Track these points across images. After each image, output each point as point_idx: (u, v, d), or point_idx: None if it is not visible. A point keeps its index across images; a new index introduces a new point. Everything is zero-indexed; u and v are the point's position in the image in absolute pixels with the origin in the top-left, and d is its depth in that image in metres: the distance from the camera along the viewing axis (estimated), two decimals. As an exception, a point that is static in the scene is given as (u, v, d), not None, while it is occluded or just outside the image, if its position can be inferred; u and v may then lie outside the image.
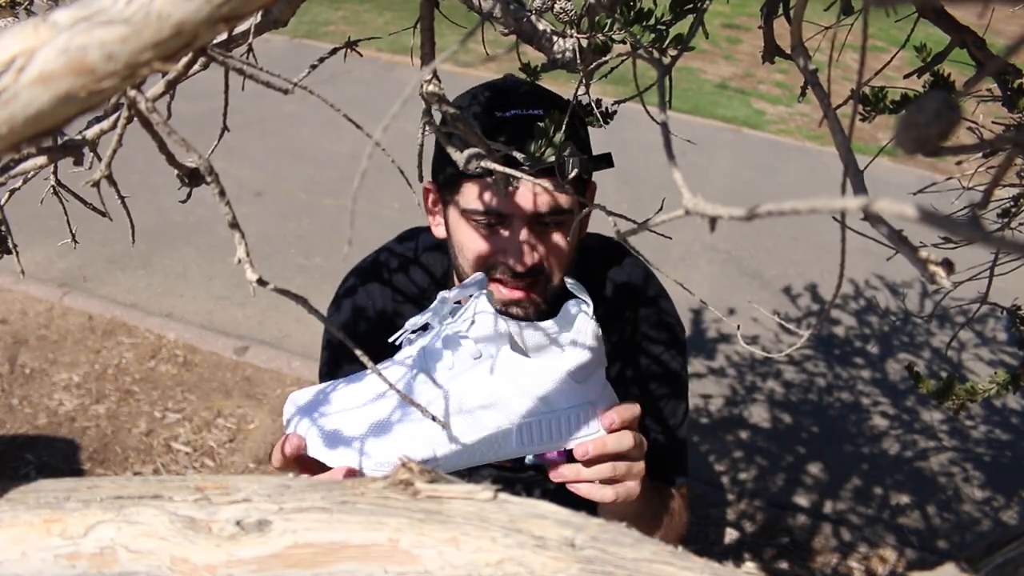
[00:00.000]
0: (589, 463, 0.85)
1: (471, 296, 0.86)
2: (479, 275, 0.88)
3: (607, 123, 0.90)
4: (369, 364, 0.56)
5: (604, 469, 0.85)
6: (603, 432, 0.86)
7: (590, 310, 0.89)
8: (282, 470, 0.82)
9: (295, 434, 0.82)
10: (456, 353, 0.83)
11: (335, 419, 0.82)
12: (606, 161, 1.00)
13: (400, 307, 1.16)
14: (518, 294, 1.01)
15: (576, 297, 0.91)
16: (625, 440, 0.86)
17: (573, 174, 0.93)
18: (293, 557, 0.51)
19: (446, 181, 1.02)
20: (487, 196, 0.96)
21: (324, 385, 0.87)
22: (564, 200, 0.98)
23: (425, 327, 0.88)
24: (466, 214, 0.98)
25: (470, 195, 0.97)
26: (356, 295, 1.17)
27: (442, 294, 0.87)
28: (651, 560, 0.48)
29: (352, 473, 0.79)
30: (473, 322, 0.83)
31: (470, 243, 1.00)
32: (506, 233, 0.98)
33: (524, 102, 0.97)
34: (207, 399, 2.70)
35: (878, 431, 2.87)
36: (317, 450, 0.81)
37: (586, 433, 0.85)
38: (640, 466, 0.89)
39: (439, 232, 1.09)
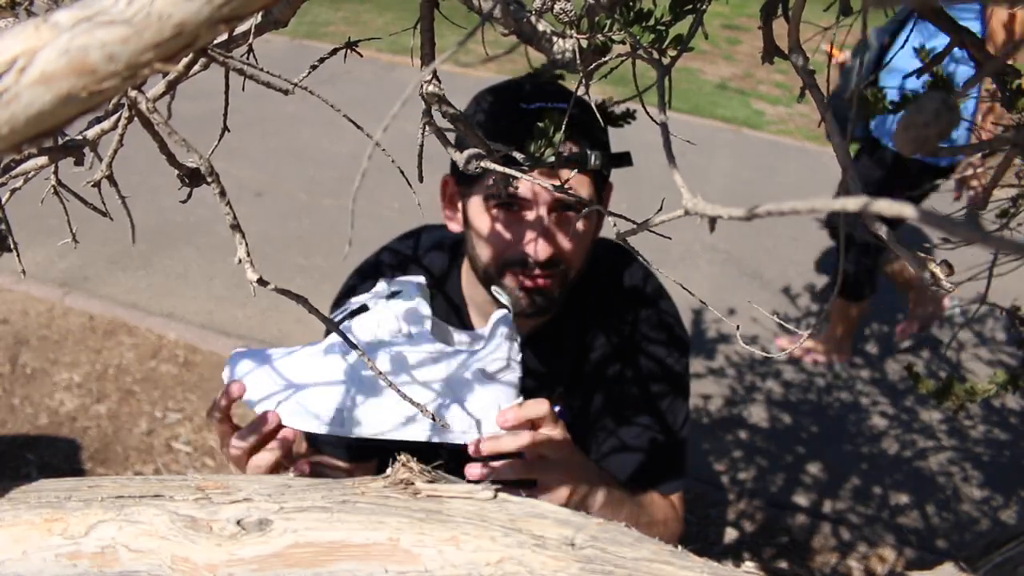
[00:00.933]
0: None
1: (411, 286, 0.90)
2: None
3: (628, 123, 0.91)
4: (368, 363, 0.57)
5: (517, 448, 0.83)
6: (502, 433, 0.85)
7: (510, 316, 0.92)
8: (217, 421, 0.85)
9: (235, 382, 0.83)
10: (380, 328, 0.85)
11: (269, 372, 0.85)
12: (626, 160, 1.01)
13: None
14: (539, 283, 1.01)
15: (503, 305, 0.93)
16: (520, 439, 0.83)
17: (595, 164, 0.94)
18: (294, 556, 0.51)
19: (465, 174, 1.02)
20: (500, 188, 0.96)
21: (269, 350, 0.89)
22: (584, 189, 0.98)
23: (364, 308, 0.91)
24: (487, 200, 0.98)
25: (492, 183, 0.98)
26: (355, 293, 1.17)
27: (381, 281, 0.91)
28: (651, 559, 0.48)
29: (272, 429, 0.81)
30: (399, 299, 0.86)
31: (490, 234, 1.00)
32: (525, 222, 0.98)
33: (549, 96, 0.98)
34: (208, 399, 2.70)
35: (877, 431, 2.87)
36: (253, 397, 0.83)
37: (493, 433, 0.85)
38: (557, 464, 0.86)
39: (454, 227, 1.10)
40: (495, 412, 0.83)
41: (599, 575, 0.47)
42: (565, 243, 1.00)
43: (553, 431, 0.86)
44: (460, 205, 1.06)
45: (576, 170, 0.94)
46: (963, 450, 2.81)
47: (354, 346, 0.57)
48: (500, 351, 0.87)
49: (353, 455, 1.10)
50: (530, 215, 0.98)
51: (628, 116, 0.89)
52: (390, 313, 0.86)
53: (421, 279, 0.95)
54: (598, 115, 0.88)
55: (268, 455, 0.83)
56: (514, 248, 0.99)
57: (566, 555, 0.48)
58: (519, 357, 0.89)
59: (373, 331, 0.85)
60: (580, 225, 1.01)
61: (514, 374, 0.87)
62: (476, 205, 1.01)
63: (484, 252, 1.02)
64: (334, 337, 0.86)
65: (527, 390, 1.17)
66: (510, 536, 0.49)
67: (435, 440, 0.82)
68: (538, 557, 0.48)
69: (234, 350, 0.88)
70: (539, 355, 1.16)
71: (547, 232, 0.98)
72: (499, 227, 1.00)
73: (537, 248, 0.97)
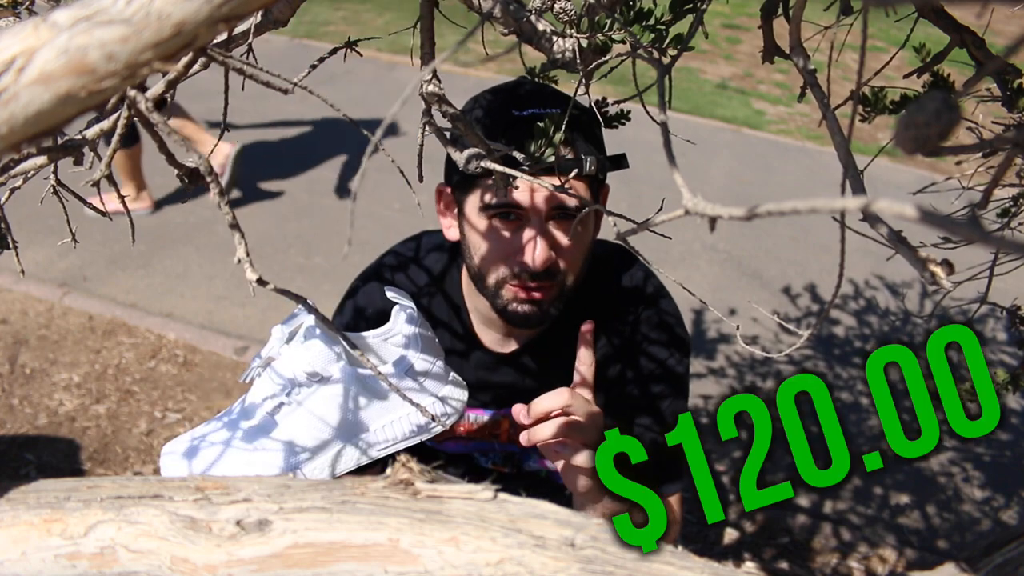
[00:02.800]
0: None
1: (304, 324, 0.89)
2: (309, 306, 0.92)
3: (623, 124, 0.90)
4: (367, 362, 0.57)
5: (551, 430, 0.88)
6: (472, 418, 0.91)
7: (415, 313, 0.93)
8: None
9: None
10: (296, 377, 0.85)
11: (208, 456, 0.84)
12: (621, 162, 1.01)
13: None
14: (534, 295, 1.01)
15: (400, 304, 0.94)
16: (545, 431, 0.88)
17: (590, 170, 0.94)
18: (293, 557, 0.51)
19: (461, 181, 1.02)
20: (504, 192, 0.96)
21: (194, 431, 0.89)
22: (581, 194, 0.98)
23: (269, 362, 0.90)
24: (484, 210, 0.98)
25: (487, 191, 0.97)
26: (357, 296, 1.17)
27: (274, 328, 0.89)
28: (651, 560, 0.48)
29: None
30: (307, 348, 0.85)
31: (486, 243, 1.00)
32: (523, 231, 0.98)
33: (541, 101, 0.97)
34: (207, 399, 2.70)
35: (878, 431, 2.86)
36: None
37: (446, 419, 0.90)
38: (586, 443, 0.90)
39: (451, 235, 1.09)
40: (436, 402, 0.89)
41: (599, 575, 0.47)
42: (563, 251, 1.00)
43: (578, 415, 0.89)
44: (456, 213, 1.06)
45: (573, 175, 0.94)
46: (964, 450, 2.81)
47: (353, 345, 0.56)
48: (414, 345, 0.89)
49: None
50: (526, 224, 0.98)
51: (623, 117, 0.89)
52: (299, 359, 0.85)
53: (311, 305, 0.95)
54: (597, 115, 0.88)
55: None
56: (512, 259, 0.99)
57: (566, 555, 0.48)
58: (437, 346, 0.93)
59: (305, 370, 0.84)
60: (577, 231, 1.00)
61: (439, 360, 0.91)
62: (472, 215, 1.01)
63: (481, 263, 1.02)
64: (241, 403, 0.87)
65: (528, 392, 1.18)
66: (510, 536, 0.49)
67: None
68: (538, 558, 0.48)
69: (163, 451, 0.86)
70: (538, 365, 1.15)
71: (544, 241, 0.97)
72: (496, 238, 0.99)
73: (534, 257, 0.97)
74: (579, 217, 0.98)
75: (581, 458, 0.90)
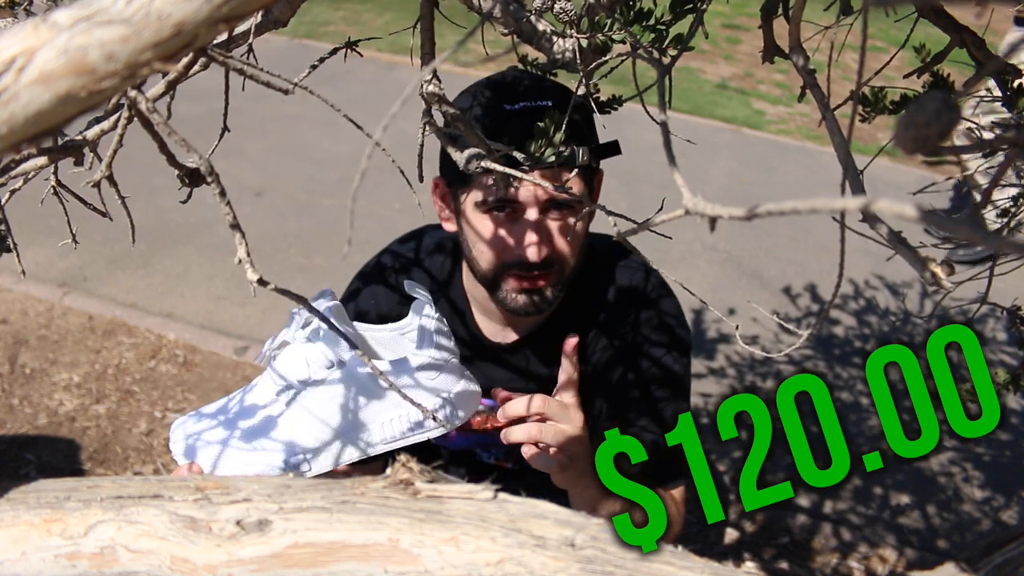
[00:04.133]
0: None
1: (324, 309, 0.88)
2: (327, 292, 0.91)
3: (615, 109, 0.90)
4: (367, 361, 0.57)
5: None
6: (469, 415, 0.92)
7: (432, 310, 0.93)
8: None
9: (187, 464, 0.84)
10: (311, 364, 0.84)
11: (216, 434, 0.84)
12: (614, 149, 1.01)
13: (403, 308, 1.16)
14: (537, 283, 1.02)
15: (418, 298, 0.94)
16: (517, 433, 0.91)
17: (584, 161, 0.94)
18: (293, 557, 0.51)
19: (456, 177, 1.02)
20: (499, 187, 0.97)
21: (202, 408, 0.89)
22: (575, 185, 0.99)
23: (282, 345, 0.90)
24: (479, 206, 0.99)
25: (482, 187, 0.98)
26: (359, 298, 1.17)
27: (292, 312, 0.89)
28: (651, 560, 0.48)
29: None
30: (320, 334, 0.85)
31: (484, 236, 1.01)
32: (519, 224, 0.99)
33: (532, 94, 0.98)
34: (207, 399, 2.70)
35: (878, 431, 2.87)
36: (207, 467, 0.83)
37: (457, 419, 0.90)
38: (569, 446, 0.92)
39: (449, 227, 1.10)
40: (448, 406, 0.88)
41: (599, 575, 0.47)
42: (560, 241, 1.01)
43: (556, 420, 0.91)
44: (453, 205, 1.06)
45: (567, 168, 0.94)
46: (964, 450, 2.81)
47: (354, 346, 0.56)
48: (429, 340, 0.89)
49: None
50: (523, 217, 0.99)
51: (615, 102, 0.89)
52: (314, 348, 0.85)
53: (328, 291, 0.93)
54: (589, 102, 0.88)
55: None
56: (510, 251, 1.00)
57: (566, 555, 0.48)
58: (452, 344, 0.93)
59: (305, 370, 0.84)
60: (573, 222, 1.01)
61: (453, 359, 0.90)
62: (468, 210, 1.02)
63: (481, 256, 1.03)
64: (262, 377, 0.87)
65: (528, 383, 1.17)
66: (510, 536, 0.49)
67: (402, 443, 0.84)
68: (538, 557, 0.48)
69: (173, 425, 0.87)
70: (538, 356, 1.16)
71: (541, 233, 0.99)
72: (494, 232, 1.00)
73: (533, 250, 0.98)
74: (582, 213, 0.98)
75: (559, 477, 0.92)
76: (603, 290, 1.16)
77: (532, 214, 0.98)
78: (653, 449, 1.12)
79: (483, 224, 1.00)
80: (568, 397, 0.98)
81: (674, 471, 1.13)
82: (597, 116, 0.89)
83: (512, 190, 0.96)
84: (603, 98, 0.89)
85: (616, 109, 0.90)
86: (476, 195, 0.99)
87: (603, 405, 1.16)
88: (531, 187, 0.96)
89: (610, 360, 1.15)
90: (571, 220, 1.01)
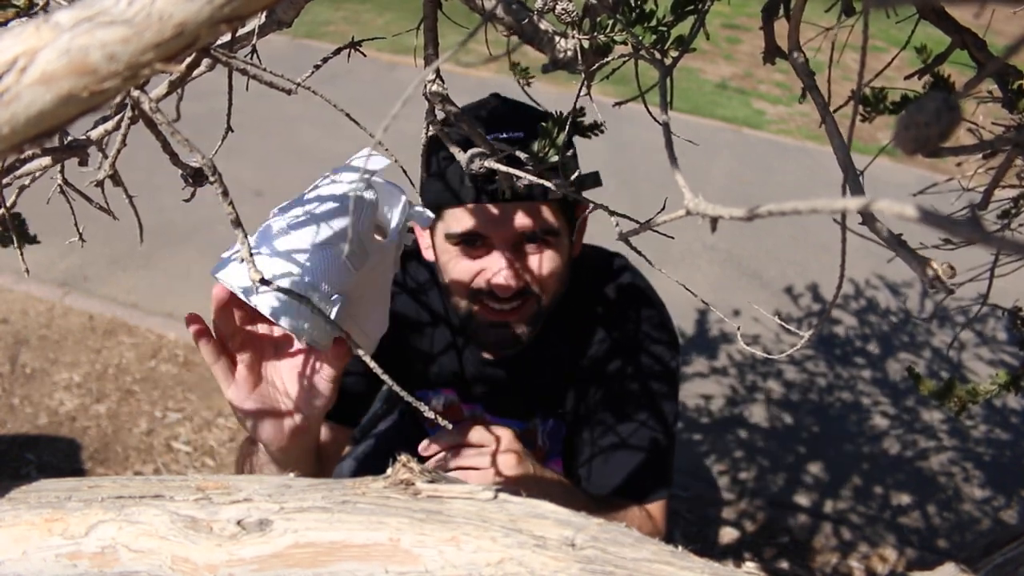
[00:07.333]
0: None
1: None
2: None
3: (597, 135, 0.89)
4: (368, 361, 0.57)
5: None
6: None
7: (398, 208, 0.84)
8: (216, 320, 0.77)
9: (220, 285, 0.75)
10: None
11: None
12: (593, 181, 0.99)
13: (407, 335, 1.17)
14: (507, 317, 1.01)
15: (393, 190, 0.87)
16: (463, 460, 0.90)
17: (557, 194, 0.93)
18: (294, 557, 0.51)
19: (428, 207, 1.02)
20: (468, 220, 0.96)
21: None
22: (550, 218, 0.97)
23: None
24: (449, 239, 0.98)
25: (451, 220, 0.97)
26: None
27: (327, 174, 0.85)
28: (651, 560, 0.48)
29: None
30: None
31: (454, 268, 1.00)
32: (489, 257, 0.98)
33: (505, 125, 0.96)
34: (208, 399, 2.70)
35: (878, 431, 2.87)
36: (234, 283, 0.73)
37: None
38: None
39: (428, 255, 1.09)
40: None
41: (599, 575, 0.47)
42: (534, 273, 0.99)
43: (501, 453, 0.90)
44: (429, 234, 1.06)
45: (542, 200, 0.94)
46: (964, 450, 2.81)
47: (351, 346, 0.56)
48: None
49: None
50: (493, 250, 0.98)
51: (596, 128, 0.88)
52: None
53: (366, 150, 0.86)
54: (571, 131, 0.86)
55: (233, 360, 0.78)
56: (478, 283, 1.00)
57: (566, 555, 0.48)
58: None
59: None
60: (549, 254, 1.00)
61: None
62: (439, 242, 1.02)
63: (452, 286, 1.03)
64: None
65: (516, 392, 1.17)
66: (510, 536, 0.49)
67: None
68: (538, 557, 0.48)
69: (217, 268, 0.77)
70: (526, 363, 1.16)
71: (510, 267, 0.97)
72: (461, 264, 1.00)
73: (502, 283, 0.97)
74: (580, 230, 0.97)
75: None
76: (588, 303, 1.16)
77: (501, 248, 0.97)
78: (635, 460, 1.11)
79: (452, 256, 1.00)
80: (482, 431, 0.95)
81: (660, 478, 1.12)
82: (597, 117, 0.88)
83: (477, 223, 0.95)
84: (586, 122, 0.88)
85: (598, 135, 0.88)
86: (445, 228, 0.99)
87: (584, 417, 1.16)
88: (497, 222, 0.95)
89: (591, 372, 1.15)
90: (548, 254, 0.99)
